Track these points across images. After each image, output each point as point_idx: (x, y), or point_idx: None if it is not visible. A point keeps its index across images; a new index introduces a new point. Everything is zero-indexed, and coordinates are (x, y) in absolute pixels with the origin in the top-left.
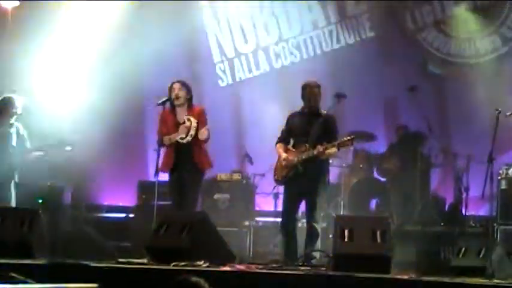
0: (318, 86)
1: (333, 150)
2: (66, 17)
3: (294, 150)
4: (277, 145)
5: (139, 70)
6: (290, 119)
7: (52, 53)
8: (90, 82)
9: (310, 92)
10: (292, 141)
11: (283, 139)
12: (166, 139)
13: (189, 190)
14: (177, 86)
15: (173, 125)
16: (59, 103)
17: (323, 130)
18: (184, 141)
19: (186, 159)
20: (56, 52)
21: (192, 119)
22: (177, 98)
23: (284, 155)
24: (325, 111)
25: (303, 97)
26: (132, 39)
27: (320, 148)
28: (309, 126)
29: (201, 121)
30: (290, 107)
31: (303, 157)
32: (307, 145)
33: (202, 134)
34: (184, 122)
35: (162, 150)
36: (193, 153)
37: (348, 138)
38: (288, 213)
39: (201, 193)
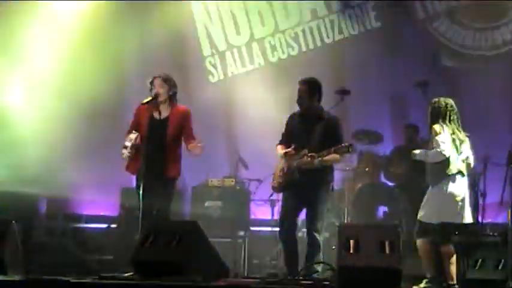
0: (306, 83)
1: (334, 157)
2: (41, 16)
3: (294, 156)
4: (277, 147)
5: (121, 67)
6: (289, 121)
7: (27, 54)
8: (67, 84)
9: (298, 90)
10: (293, 146)
11: (284, 143)
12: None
13: (158, 202)
14: (157, 82)
15: (147, 122)
16: (34, 106)
17: (325, 134)
18: (123, 156)
19: (152, 165)
20: (31, 53)
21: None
22: (158, 95)
23: (282, 151)
24: (327, 112)
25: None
26: (114, 32)
27: (307, 158)
28: (310, 129)
29: (186, 125)
30: (288, 105)
31: (300, 164)
32: (306, 150)
33: (196, 150)
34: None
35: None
36: (162, 158)
37: (345, 144)
38: (286, 220)
39: (190, 200)
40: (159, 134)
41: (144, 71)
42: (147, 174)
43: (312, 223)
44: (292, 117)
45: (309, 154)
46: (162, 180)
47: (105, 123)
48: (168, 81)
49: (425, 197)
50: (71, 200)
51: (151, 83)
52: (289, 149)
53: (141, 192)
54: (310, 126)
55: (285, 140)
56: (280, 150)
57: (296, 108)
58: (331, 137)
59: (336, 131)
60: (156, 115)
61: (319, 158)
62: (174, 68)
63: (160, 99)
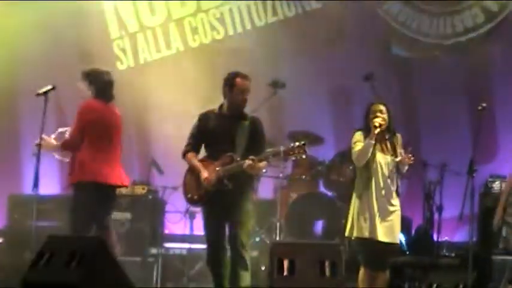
0: (249, 80)
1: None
2: None
3: (214, 162)
4: (189, 155)
5: (10, 53)
6: (204, 121)
7: None
8: None
9: (240, 90)
10: (208, 150)
11: (195, 147)
12: None
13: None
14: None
15: None
16: None
17: (250, 137)
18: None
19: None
20: None
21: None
22: (54, 87)
23: (205, 173)
24: (248, 113)
25: (229, 92)
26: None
27: (250, 161)
28: (233, 131)
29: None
30: (211, 100)
31: (231, 171)
32: (234, 155)
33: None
34: None
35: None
36: (70, 161)
37: (297, 144)
38: (215, 243)
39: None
40: None
41: (40, 61)
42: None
43: (236, 237)
44: (206, 118)
45: (250, 158)
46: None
47: None
48: (88, 76)
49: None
50: None
51: None
52: (206, 175)
53: None
54: (234, 127)
55: (197, 144)
56: (196, 162)
57: (218, 101)
58: (257, 140)
59: (262, 134)
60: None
61: (261, 163)
62: (75, 52)
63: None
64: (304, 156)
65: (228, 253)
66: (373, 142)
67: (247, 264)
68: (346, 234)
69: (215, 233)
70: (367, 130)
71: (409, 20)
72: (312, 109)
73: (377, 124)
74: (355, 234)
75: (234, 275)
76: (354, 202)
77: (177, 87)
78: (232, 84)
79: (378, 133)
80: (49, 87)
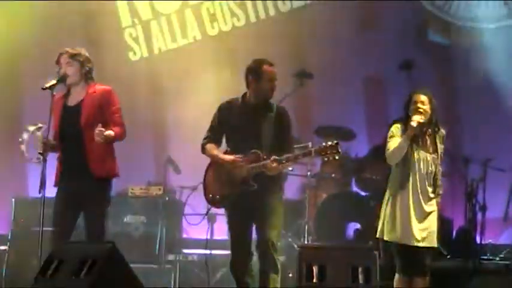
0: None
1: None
2: None
3: (239, 158)
4: (208, 146)
5: (14, 44)
6: (225, 112)
7: None
8: None
9: (269, 78)
10: (230, 144)
11: (214, 140)
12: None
13: (87, 211)
14: (64, 59)
15: (60, 112)
16: None
17: (276, 130)
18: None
19: (70, 165)
20: None
21: None
22: (65, 76)
23: (228, 157)
24: (274, 103)
25: (255, 81)
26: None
27: (274, 162)
28: (258, 123)
29: (105, 108)
30: (230, 93)
31: (256, 170)
32: (260, 153)
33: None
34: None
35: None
36: (88, 155)
37: (330, 143)
38: (241, 246)
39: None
40: (72, 124)
41: (47, 51)
42: (66, 179)
43: (266, 237)
44: (228, 108)
45: (273, 158)
46: (86, 182)
47: None
48: (77, 56)
49: None
50: None
51: (58, 62)
52: (236, 157)
53: (57, 201)
54: (259, 120)
55: (217, 137)
56: (217, 152)
57: (237, 94)
58: (283, 133)
59: (289, 126)
60: (69, 102)
61: (288, 163)
62: (84, 42)
63: (70, 81)
64: (337, 157)
65: (254, 258)
66: (409, 142)
67: (278, 267)
68: (377, 235)
69: (241, 235)
70: (406, 122)
71: (447, 3)
72: (342, 101)
73: (414, 124)
74: (386, 237)
75: (263, 278)
76: (387, 201)
77: (195, 79)
78: (259, 73)
79: (416, 129)
80: (55, 80)
